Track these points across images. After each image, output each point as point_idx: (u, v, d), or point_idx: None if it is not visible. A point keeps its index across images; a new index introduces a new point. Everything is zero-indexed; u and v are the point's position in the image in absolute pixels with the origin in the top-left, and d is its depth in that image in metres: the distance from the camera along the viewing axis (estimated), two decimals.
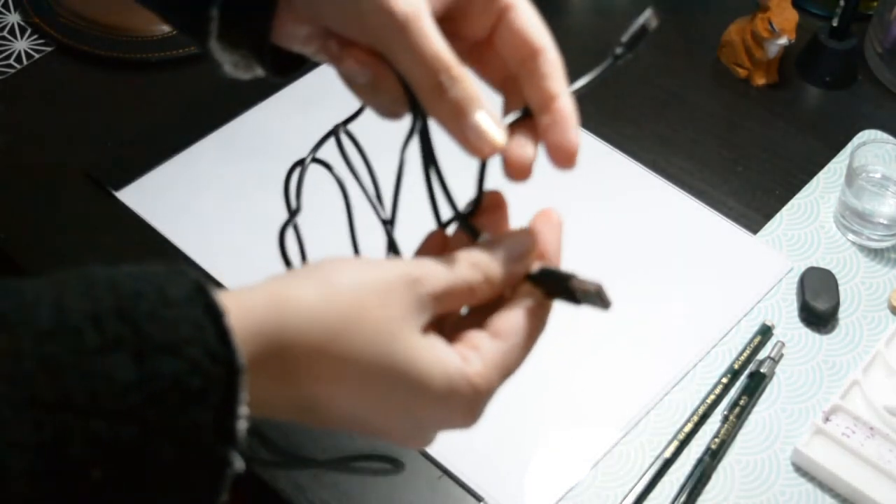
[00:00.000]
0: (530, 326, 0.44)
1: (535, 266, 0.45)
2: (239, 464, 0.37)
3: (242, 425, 0.37)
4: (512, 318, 0.44)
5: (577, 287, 0.44)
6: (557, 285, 0.45)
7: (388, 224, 0.52)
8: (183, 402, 0.35)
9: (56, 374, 0.34)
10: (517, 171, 0.45)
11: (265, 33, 0.47)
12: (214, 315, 0.36)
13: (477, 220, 0.47)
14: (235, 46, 0.49)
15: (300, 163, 0.53)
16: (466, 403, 0.43)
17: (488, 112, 0.43)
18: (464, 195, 0.48)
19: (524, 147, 0.45)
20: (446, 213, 0.48)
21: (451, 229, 0.49)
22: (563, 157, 0.45)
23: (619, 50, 0.47)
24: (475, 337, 0.43)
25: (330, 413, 0.41)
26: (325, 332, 0.39)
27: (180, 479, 0.36)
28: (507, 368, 0.44)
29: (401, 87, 0.45)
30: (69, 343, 0.35)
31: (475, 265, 0.43)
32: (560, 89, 0.45)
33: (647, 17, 0.47)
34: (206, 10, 0.46)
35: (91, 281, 0.36)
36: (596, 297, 0.44)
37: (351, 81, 0.47)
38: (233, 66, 0.49)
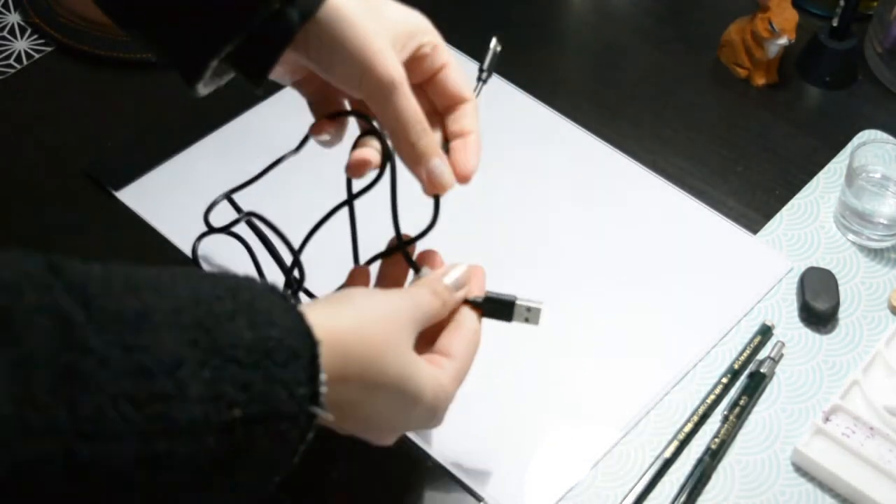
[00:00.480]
0: (473, 347, 0.58)
1: (476, 293, 0.59)
2: (327, 416, 0.47)
3: (324, 390, 0.47)
4: (461, 342, 0.57)
5: (522, 306, 0.58)
6: (497, 307, 0.59)
7: (297, 254, 0.67)
8: (286, 360, 0.45)
9: (206, 329, 0.44)
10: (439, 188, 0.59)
11: (265, 73, 0.57)
12: (291, 306, 0.47)
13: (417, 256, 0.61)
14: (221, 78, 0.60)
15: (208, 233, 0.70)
16: (442, 409, 0.56)
17: (442, 160, 0.58)
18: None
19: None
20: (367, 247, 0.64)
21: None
22: (463, 175, 0.59)
23: (484, 74, 0.66)
24: (435, 358, 0.56)
25: (352, 411, 0.51)
26: (365, 352, 0.50)
27: (282, 426, 0.45)
28: (461, 381, 0.57)
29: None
30: (207, 310, 0.44)
31: (436, 293, 0.56)
32: (476, 128, 0.61)
33: (493, 44, 0.66)
34: (204, 60, 0.55)
35: (200, 274, 0.47)
36: (537, 314, 0.58)
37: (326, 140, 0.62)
38: (204, 88, 0.59)
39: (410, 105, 0.56)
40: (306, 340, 0.47)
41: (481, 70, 0.66)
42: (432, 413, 0.55)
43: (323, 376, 0.47)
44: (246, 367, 0.44)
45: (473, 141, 0.61)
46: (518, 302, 0.59)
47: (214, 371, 0.43)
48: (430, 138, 0.58)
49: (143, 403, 0.41)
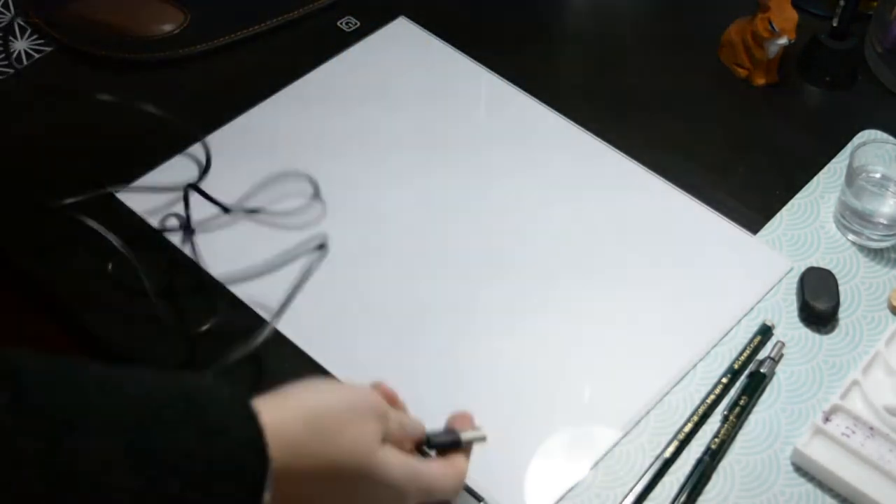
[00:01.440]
0: (452, 469, 0.60)
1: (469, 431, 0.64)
2: None
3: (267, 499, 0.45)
4: (438, 464, 0.60)
5: (469, 439, 0.63)
6: (449, 443, 0.63)
7: None
8: (229, 474, 0.44)
9: (147, 433, 0.43)
10: None
11: None
12: (252, 415, 0.46)
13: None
14: None
15: None
16: (413, 496, 0.56)
17: None
18: None
19: None
20: None
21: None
22: None
23: None
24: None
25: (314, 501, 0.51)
26: (316, 442, 0.50)
27: None
28: (432, 489, 0.58)
29: None
30: (154, 413, 0.44)
31: (402, 427, 0.58)
32: None
33: None
34: None
35: (157, 375, 0.46)
36: (482, 439, 0.64)
37: None
38: None
39: None
40: (258, 456, 0.45)
41: None
42: (401, 497, 0.55)
43: (267, 495, 0.45)
44: (183, 477, 0.43)
45: None
46: (465, 436, 0.63)
47: (148, 482, 0.42)
48: None
49: None
